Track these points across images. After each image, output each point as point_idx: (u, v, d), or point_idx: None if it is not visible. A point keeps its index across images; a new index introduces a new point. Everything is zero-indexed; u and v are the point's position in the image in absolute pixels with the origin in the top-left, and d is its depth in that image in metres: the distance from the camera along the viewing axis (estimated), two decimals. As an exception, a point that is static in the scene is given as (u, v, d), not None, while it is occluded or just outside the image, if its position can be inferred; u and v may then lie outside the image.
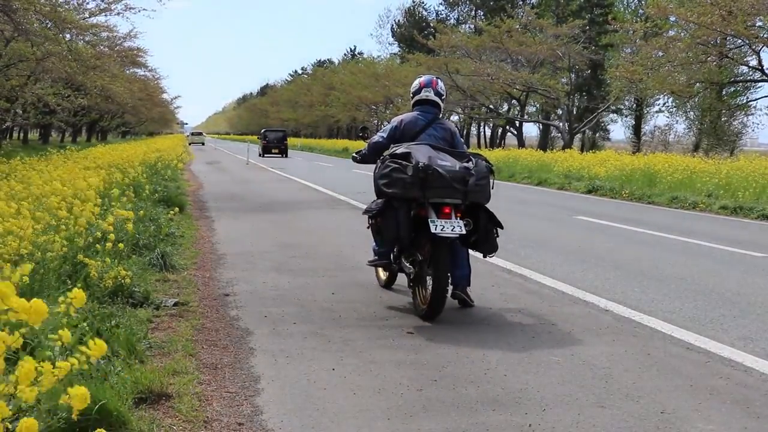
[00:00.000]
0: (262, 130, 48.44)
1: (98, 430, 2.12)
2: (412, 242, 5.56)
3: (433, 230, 5.21)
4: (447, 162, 5.43)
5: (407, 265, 5.71)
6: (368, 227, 6.02)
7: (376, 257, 6.09)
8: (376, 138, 6.22)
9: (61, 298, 2.50)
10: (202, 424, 3.56)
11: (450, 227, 5.24)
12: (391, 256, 5.95)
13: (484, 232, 5.55)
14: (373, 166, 5.88)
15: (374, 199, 5.77)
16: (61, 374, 2.09)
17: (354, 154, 6.49)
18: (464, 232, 5.32)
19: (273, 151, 41.25)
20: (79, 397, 2.06)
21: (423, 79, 6.23)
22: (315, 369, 4.37)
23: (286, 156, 43.39)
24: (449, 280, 5.44)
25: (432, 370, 4.39)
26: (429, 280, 5.39)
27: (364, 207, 6.14)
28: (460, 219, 5.36)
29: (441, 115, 6.22)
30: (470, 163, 5.51)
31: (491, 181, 5.62)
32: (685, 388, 4.16)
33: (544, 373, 4.37)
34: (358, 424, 3.58)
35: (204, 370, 4.33)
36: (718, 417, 3.75)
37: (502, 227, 5.71)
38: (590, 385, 4.17)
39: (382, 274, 6.62)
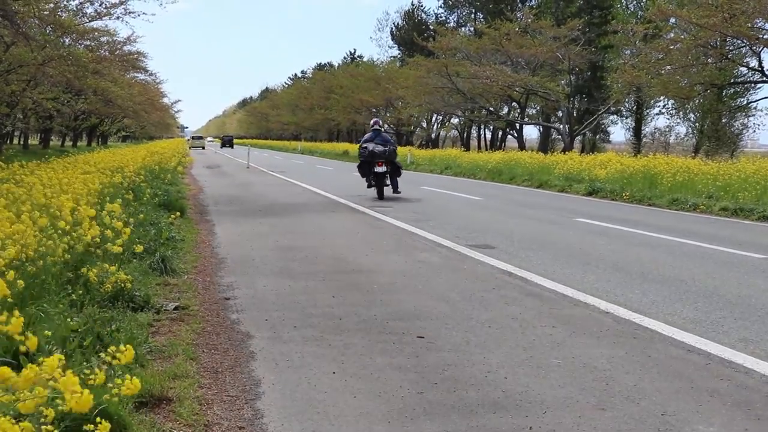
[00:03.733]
0: (222, 135, 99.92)
1: (102, 424, 2.11)
2: (371, 174, 16.53)
3: (375, 170, 16.36)
4: (379, 148, 16.34)
5: (372, 181, 16.55)
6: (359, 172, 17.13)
7: (367, 183, 16.81)
8: (362, 141, 17.18)
9: (112, 348, 2.53)
10: (202, 428, 3.56)
11: (380, 169, 16.34)
12: (370, 181, 16.70)
13: (392, 170, 16.53)
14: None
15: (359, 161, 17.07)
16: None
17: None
18: (385, 170, 16.43)
19: (226, 146, 78.02)
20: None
21: (373, 120, 17.59)
22: (315, 373, 4.37)
23: (232, 147, 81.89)
24: (383, 190, 16.44)
25: (432, 373, 4.39)
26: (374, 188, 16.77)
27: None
28: (384, 166, 16.34)
29: (382, 131, 17.25)
30: (388, 147, 16.48)
31: (396, 153, 16.81)
32: (686, 390, 4.16)
33: (545, 375, 4.37)
34: (359, 428, 3.58)
35: (204, 374, 4.33)
36: (719, 419, 3.74)
37: (402, 167, 17.24)
38: (591, 387, 4.17)
39: (372, 191, 16.92)
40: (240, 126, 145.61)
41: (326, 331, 5.28)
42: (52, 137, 53.19)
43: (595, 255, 8.96)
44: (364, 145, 16.62)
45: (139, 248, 6.79)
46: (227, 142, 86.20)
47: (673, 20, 26.51)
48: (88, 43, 22.87)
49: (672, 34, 27.51)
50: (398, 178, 16.69)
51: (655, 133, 44.85)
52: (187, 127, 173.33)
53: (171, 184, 18.25)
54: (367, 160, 16.49)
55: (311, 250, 9.04)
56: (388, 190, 16.69)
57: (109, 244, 6.01)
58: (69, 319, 4.48)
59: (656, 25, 28.24)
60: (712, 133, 35.74)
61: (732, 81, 31.20)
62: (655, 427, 3.62)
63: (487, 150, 46.21)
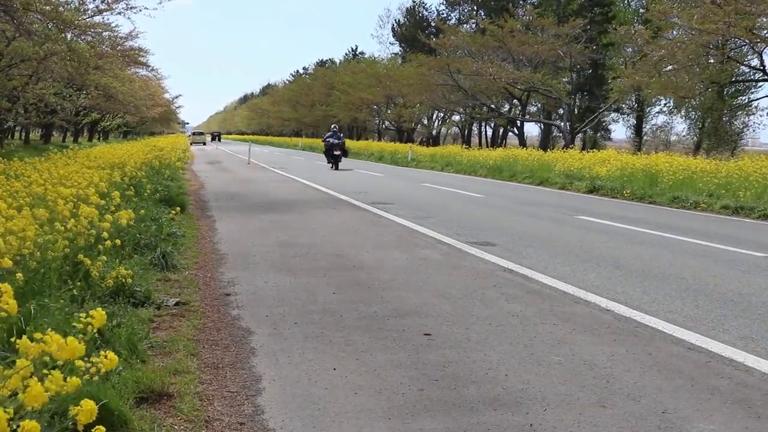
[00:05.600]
0: (213, 131, 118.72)
1: (97, 427, 2.12)
2: (331, 156, 29.38)
3: (333, 153, 29.21)
4: (335, 140, 29.44)
5: (331, 160, 29.37)
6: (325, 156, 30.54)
7: (327, 161, 29.76)
8: (325, 137, 30.78)
9: (82, 315, 2.54)
10: (203, 423, 3.57)
11: (337, 152, 29.19)
12: (330, 160, 29.57)
13: (342, 154, 29.63)
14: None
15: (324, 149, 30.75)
16: (71, 389, 2.10)
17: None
18: (339, 153, 29.31)
19: (215, 139, 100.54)
20: (86, 412, 2.07)
21: (333, 125, 31.43)
22: (316, 369, 4.38)
23: (219, 141, 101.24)
24: (338, 164, 29.27)
25: (433, 370, 4.39)
26: (332, 163, 29.65)
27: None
28: (339, 151, 29.27)
29: (337, 132, 30.65)
30: (341, 141, 29.93)
31: (344, 144, 31.47)
32: (687, 388, 4.16)
33: (546, 372, 4.37)
34: (359, 424, 3.58)
35: (205, 369, 4.33)
36: (720, 417, 3.75)
37: (348, 152, 32.50)
38: (591, 384, 4.17)
39: (330, 166, 29.39)
40: (241, 122, 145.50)
41: (327, 328, 5.28)
42: (54, 133, 53.14)
43: (595, 252, 8.96)
44: (327, 140, 29.91)
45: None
46: (216, 136, 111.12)
47: (675, 19, 26.44)
48: (90, 38, 22.81)
49: (674, 33, 27.45)
50: (344, 158, 30.73)
51: (656, 130, 44.85)
52: (188, 123, 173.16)
53: (172, 179, 18.25)
54: (329, 148, 29.70)
55: (312, 247, 9.04)
56: (342, 165, 29.81)
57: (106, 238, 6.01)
58: (70, 315, 4.48)
59: (657, 26, 28.16)
60: (712, 132, 35.71)
61: (733, 79, 31.16)
62: (656, 424, 3.62)
63: (488, 147, 46.18)
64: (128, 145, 27.79)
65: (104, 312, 2.51)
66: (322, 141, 31.01)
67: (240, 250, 8.66)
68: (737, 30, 21.08)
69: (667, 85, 25.98)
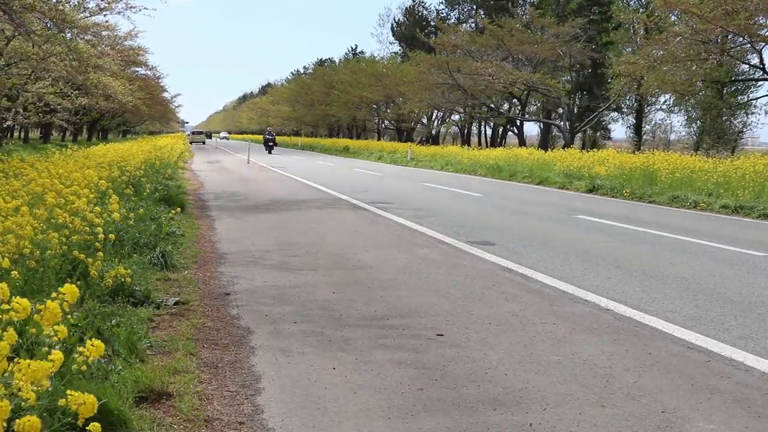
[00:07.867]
0: (206, 131, 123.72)
1: (93, 424, 2.11)
2: (266, 146, 52.22)
3: (268, 144, 52.58)
4: (269, 137, 53.43)
5: (266, 148, 51.81)
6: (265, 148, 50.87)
7: (265, 148, 52.44)
8: (265, 134, 55.66)
9: (54, 294, 2.54)
10: (202, 423, 3.56)
11: (270, 144, 52.58)
12: (266, 148, 51.84)
13: (273, 145, 52.78)
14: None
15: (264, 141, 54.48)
16: (55, 367, 2.10)
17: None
18: (272, 144, 52.70)
19: (206, 139, 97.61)
20: (87, 406, 2.07)
21: (268, 128, 62.26)
22: (315, 368, 4.37)
23: (211, 138, 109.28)
24: (271, 150, 50.93)
25: (433, 369, 4.38)
26: (268, 150, 50.82)
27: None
28: (272, 143, 52.68)
29: (272, 132, 55.69)
30: (272, 137, 53.76)
31: (275, 139, 54.97)
32: (686, 387, 4.16)
33: (545, 372, 4.37)
34: (359, 424, 3.58)
35: (205, 369, 4.33)
36: (719, 416, 3.74)
37: (276, 144, 56.41)
38: (591, 384, 4.17)
39: (267, 151, 50.86)
40: (241, 121, 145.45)
41: (326, 327, 5.28)
42: (53, 132, 53.12)
43: (595, 252, 8.96)
44: (266, 136, 52.75)
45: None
46: (208, 136, 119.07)
47: (674, 17, 26.44)
48: (90, 37, 22.80)
49: (675, 28, 27.42)
50: (275, 149, 52.57)
51: (655, 129, 44.82)
52: (187, 122, 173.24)
53: (171, 179, 18.25)
54: (266, 141, 51.98)
55: (312, 246, 9.04)
56: (275, 151, 47.19)
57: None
58: (69, 314, 4.47)
59: (658, 17, 28.09)
60: (712, 131, 35.69)
61: (733, 78, 31.12)
62: (655, 424, 3.62)
63: (487, 147, 46.16)
64: (127, 145, 27.80)
65: (76, 288, 2.52)
66: (263, 136, 54.25)
67: (239, 250, 8.65)
68: (736, 21, 21.03)
69: (665, 78, 25.95)
